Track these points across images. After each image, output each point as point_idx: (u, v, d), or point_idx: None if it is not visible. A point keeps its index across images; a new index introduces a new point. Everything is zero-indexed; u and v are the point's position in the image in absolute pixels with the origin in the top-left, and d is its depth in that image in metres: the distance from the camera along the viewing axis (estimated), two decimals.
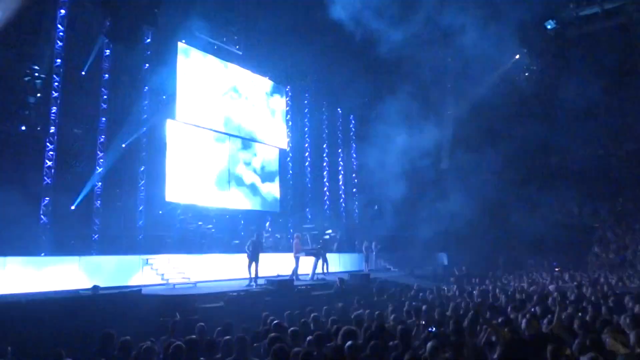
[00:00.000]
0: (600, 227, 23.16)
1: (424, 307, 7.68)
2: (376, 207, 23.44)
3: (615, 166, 24.83)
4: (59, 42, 13.24)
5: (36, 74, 12.96)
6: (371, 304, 9.84)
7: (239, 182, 18.95)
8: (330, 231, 19.02)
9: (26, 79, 12.91)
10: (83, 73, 14.12)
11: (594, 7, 13.07)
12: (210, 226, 16.43)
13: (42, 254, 11.68)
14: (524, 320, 5.58)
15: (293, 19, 17.39)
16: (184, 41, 17.02)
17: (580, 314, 6.82)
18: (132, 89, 15.52)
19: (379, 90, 21.18)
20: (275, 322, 6.15)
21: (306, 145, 22.84)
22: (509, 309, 7.38)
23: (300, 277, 14.10)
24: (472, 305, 7.98)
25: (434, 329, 5.71)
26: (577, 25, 14.25)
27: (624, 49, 16.43)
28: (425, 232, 19.35)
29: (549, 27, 13.99)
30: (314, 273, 14.47)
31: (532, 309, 7.35)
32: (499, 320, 6.10)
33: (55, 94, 13.04)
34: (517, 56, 16.20)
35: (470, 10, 15.21)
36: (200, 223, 16.20)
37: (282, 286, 11.81)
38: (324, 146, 23.85)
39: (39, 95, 13.00)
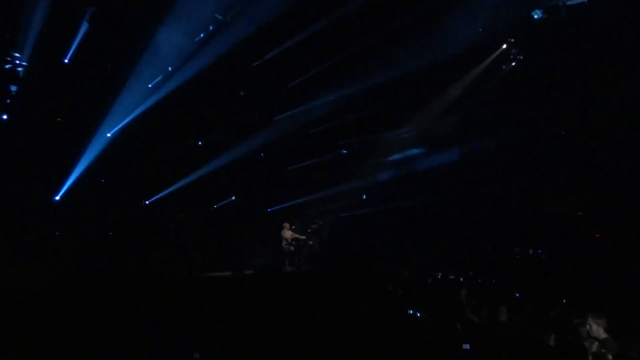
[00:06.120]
0: None
1: None
2: None
3: None
4: (40, 29, 12.91)
5: (17, 62, 12.67)
6: None
7: None
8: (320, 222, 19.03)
9: (7, 66, 12.63)
10: (66, 61, 13.84)
11: None
12: None
13: None
14: None
15: None
16: None
17: None
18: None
19: None
20: None
21: None
22: None
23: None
24: None
25: None
26: (564, 14, 14.24)
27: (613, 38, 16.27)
28: None
29: (535, 16, 13.87)
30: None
31: None
32: None
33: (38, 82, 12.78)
34: (504, 46, 16.14)
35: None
36: None
37: None
38: None
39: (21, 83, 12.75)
